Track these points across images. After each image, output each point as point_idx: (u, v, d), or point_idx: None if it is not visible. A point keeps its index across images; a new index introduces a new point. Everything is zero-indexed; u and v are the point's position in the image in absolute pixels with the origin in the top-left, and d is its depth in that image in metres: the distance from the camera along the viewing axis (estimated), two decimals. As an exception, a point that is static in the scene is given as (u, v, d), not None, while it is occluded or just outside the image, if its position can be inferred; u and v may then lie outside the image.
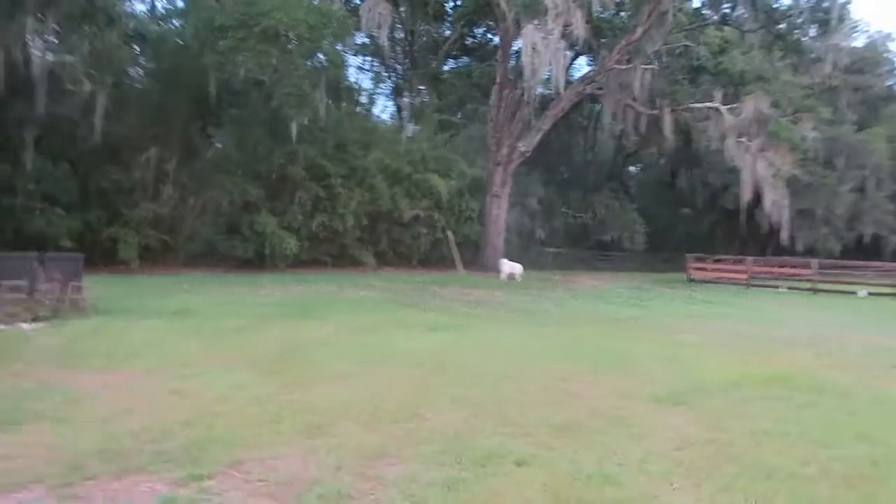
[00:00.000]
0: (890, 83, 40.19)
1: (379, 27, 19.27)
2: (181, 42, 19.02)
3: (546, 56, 17.66)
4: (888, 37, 38.72)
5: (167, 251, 19.62)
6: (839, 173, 33.08)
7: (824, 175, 31.85)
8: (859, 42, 38.71)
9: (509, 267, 20.32)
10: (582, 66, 29.97)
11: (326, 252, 20.86)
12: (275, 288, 13.91)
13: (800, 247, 34.23)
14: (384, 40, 19.79)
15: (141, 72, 20.76)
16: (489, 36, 36.18)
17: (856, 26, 36.49)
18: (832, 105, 32.57)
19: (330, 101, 22.34)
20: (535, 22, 17.76)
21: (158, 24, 20.62)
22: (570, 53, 18.36)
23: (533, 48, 17.49)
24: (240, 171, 19.35)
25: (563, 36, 18.68)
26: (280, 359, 6.35)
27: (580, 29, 18.67)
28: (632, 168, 45.58)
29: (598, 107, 37.28)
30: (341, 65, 17.47)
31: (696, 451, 3.92)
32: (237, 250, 19.30)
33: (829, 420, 4.79)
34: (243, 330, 7.99)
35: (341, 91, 28.21)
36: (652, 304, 14.26)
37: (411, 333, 8.25)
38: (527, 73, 18.05)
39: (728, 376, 6.16)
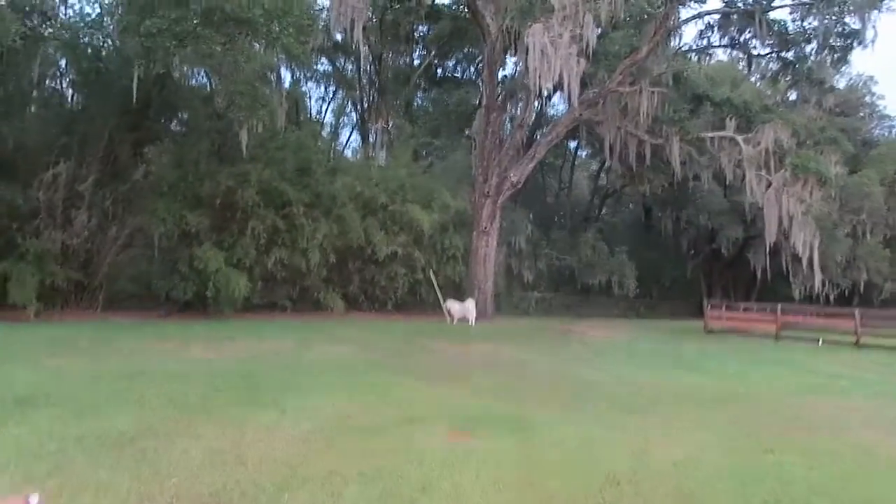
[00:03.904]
0: (871, 126, 39.17)
1: (352, 25, 15.75)
2: (104, 40, 15.31)
3: (556, 62, 14.66)
4: (871, 79, 37.59)
5: (81, 292, 15.76)
6: (836, 217, 31.24)
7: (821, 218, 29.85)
8: (840, 84, 37.79)
9: (460, 308, 16.92)
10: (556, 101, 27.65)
11: (285, 295, 17.09)
12: (210, 346, 10.06)
13: (795, 294, 32.32)
14: (358, 36, 16.16)
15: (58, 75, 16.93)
16: (460, 67, 33.91)
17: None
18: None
19: (288, 117, 18.90)
20: (543, 19, 14.82)
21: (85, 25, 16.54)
22: (583, 61, 15.30)
23: (542, 51, 14.46)
24: (178, 196, 15.58)
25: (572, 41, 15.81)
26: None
27: (590, 34, 15.85)
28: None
29: (573, 143, 35.18)
30: (304, 58, 13.92)
31: None
32: (175, 291, 15.50)
33: None
34: (128, 443, 4.23)
35: (301, 114, 24.80)
36: (720, 367, 10.95)
37: (441, 440, 4.66)
38: (532, 80, 14.97)
39: None
